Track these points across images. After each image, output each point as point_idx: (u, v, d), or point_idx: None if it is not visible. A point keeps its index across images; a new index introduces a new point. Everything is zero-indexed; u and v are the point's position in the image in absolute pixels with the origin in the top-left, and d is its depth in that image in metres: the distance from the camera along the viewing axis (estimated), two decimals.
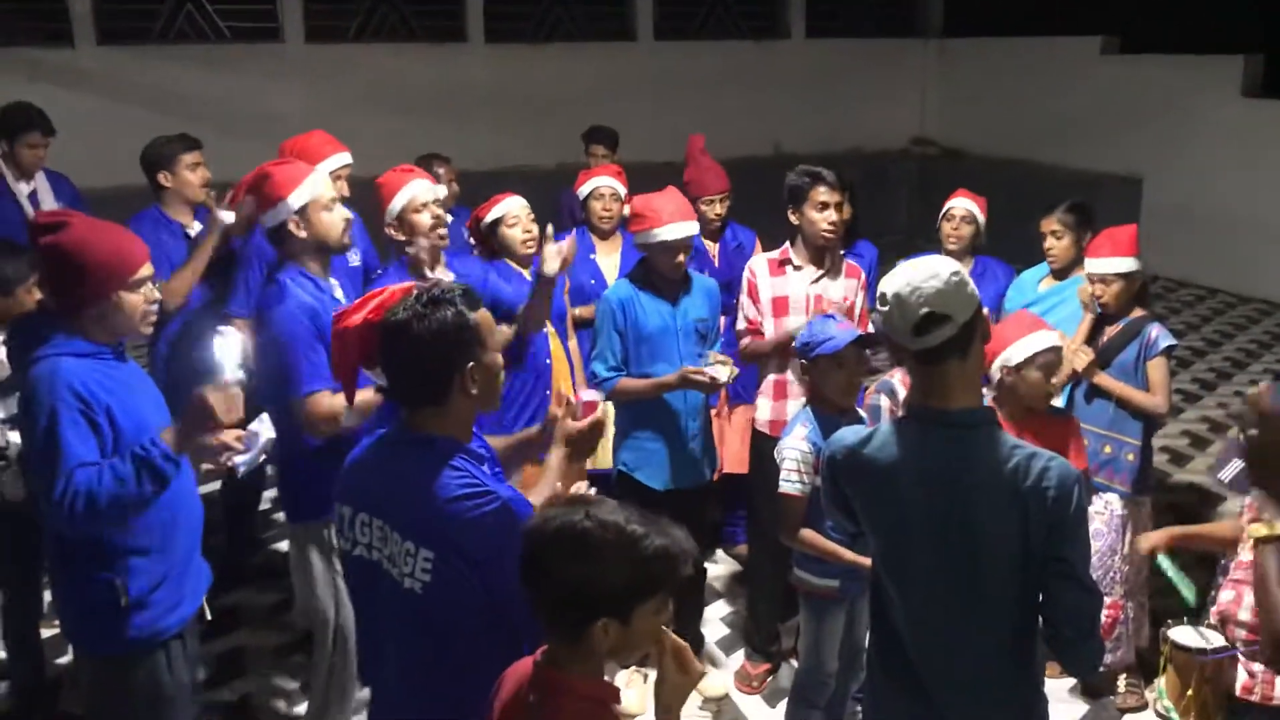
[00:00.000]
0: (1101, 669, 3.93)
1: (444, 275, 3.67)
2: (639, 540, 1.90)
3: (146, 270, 2.83)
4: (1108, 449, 4.13)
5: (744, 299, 4.30)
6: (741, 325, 4.31)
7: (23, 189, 5.60)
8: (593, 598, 1.89)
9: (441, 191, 3.87)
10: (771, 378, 4.25)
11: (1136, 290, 4.14)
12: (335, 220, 3.33)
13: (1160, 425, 4.16)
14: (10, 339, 3.04)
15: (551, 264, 3.73)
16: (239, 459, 2.85)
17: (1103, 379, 4.09)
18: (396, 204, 3.64)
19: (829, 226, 4.13)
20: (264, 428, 2.98)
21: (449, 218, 3.89)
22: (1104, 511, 4.12)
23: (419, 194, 3.64)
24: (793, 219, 4.22)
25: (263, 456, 2.99)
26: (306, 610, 4.55)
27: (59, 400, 2.62)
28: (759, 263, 4.31)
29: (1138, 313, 4.15)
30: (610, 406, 4.31)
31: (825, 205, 4.12)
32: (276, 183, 3.30)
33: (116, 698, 2.89)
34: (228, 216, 4.16)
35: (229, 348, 2.79)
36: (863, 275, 4.38)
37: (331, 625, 3.49)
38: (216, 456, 2.79)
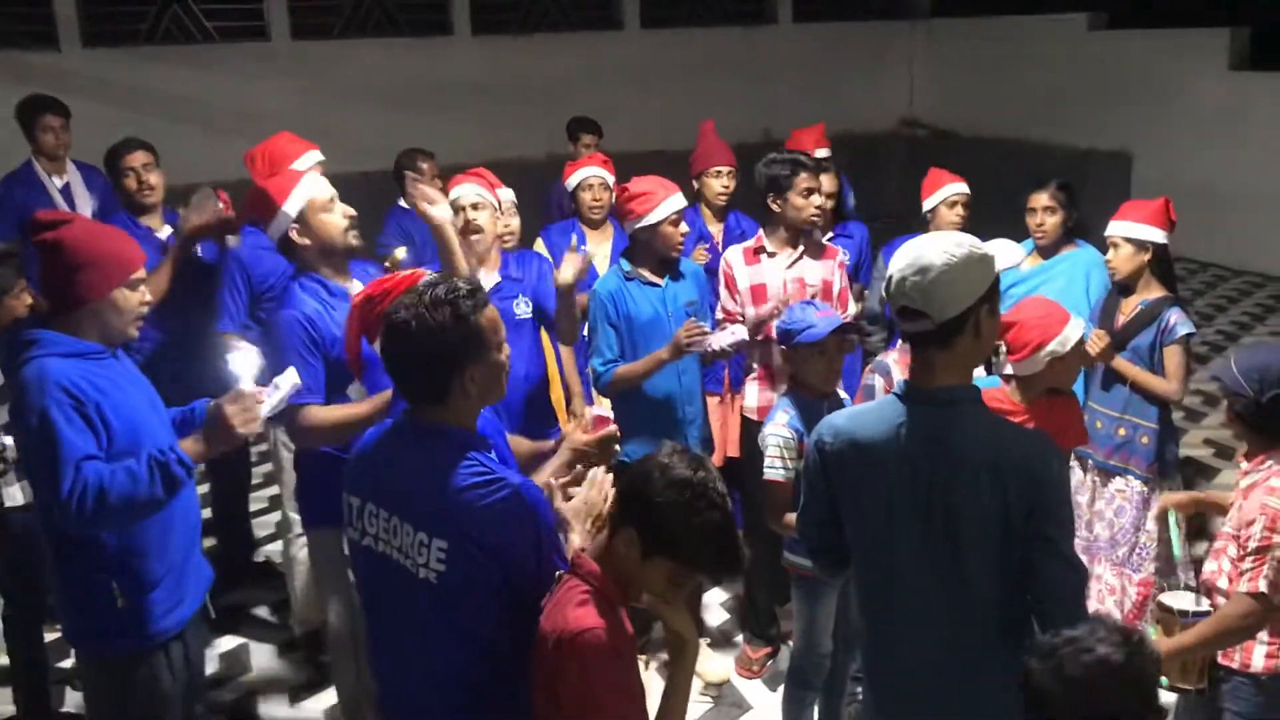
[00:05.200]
0: None
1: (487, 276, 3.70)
2: (714, 525, 2.13)
3: (142, 272, 2.86)
4: (1122, 431, 4.10)
5: (722, 290, 4.33)
6: (719, 316, 4.34)
7: (56, 183, 5.60)
8: (639, 511, 2.14)
9: (505, 198, 4.08)
10: (758, 364, 4.27)
11: (1153, 265, 4.10)
12: (335, 220, 3.29)
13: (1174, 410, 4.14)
14: (2, 350, 3.04)
15: (565, 272, 3.82)
16: (261, 408, 2.80)
17: (1119, 363, 4.04)
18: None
19: (816, 211, 4.18)
20: (285, 378, 2.91)
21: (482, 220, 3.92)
22: (1125, 489, 4.12)
23: (462, 195, 3.88)
24: (774, 206, 4.24)
25: (283, 405, 2.92)
26: (304, 614, 4.60)
27: (49, 398, 2.61)
28: (734, 253, 4.34)
29: (1158, 293, 4.10)
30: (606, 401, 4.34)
31: (810, 191, 4.16)
32: (271, 194, 3.28)
33: (116, 699, 2.90)
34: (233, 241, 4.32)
35: (245, 361, 2.80)
36: (840, 255, 4.39)
37: (344, 632, 3.47)
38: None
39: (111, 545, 2.77)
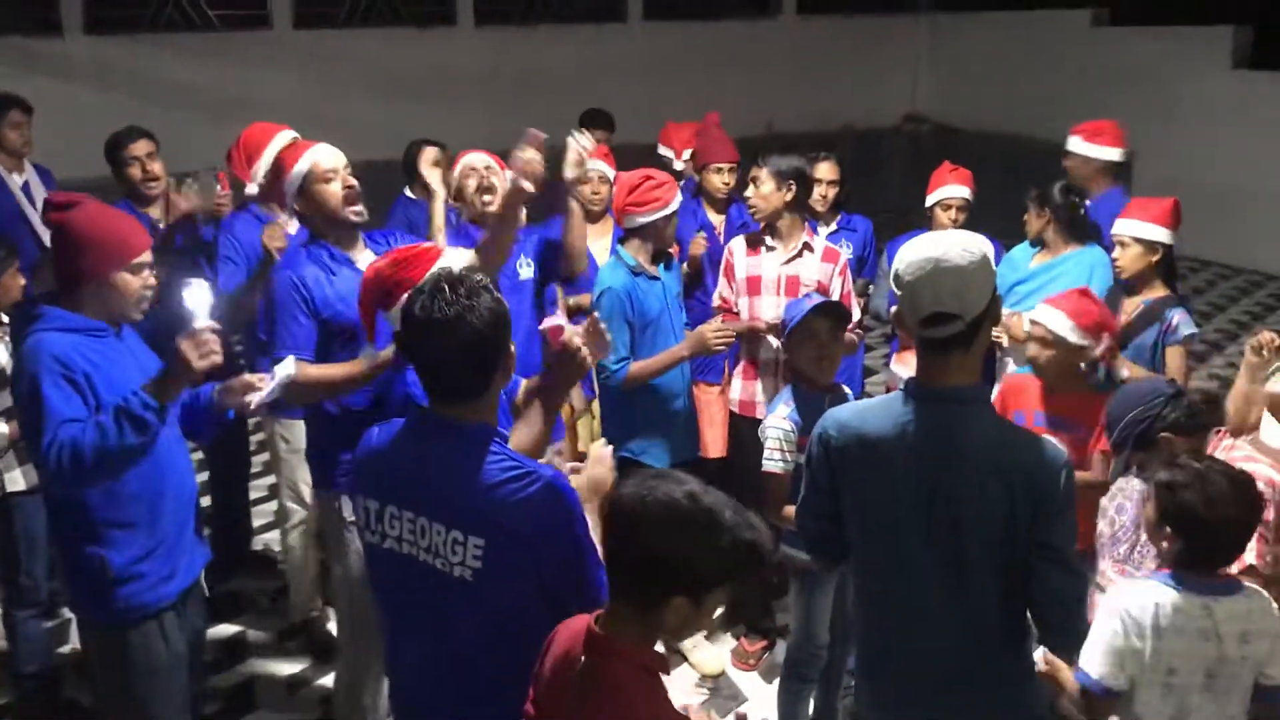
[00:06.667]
0: None
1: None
2: (733, 528, 1.92)
3: (146, 256, 2.92)
4: None
5: (720, 277, 4.38)
6: (716, 302, 4.38)
7: (16, 180, 5.60)
8: (680, 574, 1.91)
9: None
10: (742, 359, 4.31)
11: (1158, 265, 4.10)
12: (334, 190, 3.31)
13: None
14: (10, 325, 3.16)
15: (568, 167, 3.83)
16: (253, 397, 2.94)
17: (1121, 361, 3.98)
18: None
19: (746, 200, 4.31)
20: (283, 366, 3.05)
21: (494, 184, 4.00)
22: (1125, 487, 4.12)
23: (472, 160, 4.10)
24: None
25: (278, 394, 3.03)
26: (301, 603, 4.61)
27: (41, 367, 2.71)
28: (737, 242, 4.40)
29: (1161, 292, 4.10)
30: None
31: (747, 184, 4.28)
32: (283, 168, 3.38)
33: (116, 664, 2.98)
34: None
35: (198, 297, 2.82)
36: (842, 259, 4.38)
37: (349, 600, 3.47)
38: (240, 396, 2.93)
39: (101, 516, 2.84)
